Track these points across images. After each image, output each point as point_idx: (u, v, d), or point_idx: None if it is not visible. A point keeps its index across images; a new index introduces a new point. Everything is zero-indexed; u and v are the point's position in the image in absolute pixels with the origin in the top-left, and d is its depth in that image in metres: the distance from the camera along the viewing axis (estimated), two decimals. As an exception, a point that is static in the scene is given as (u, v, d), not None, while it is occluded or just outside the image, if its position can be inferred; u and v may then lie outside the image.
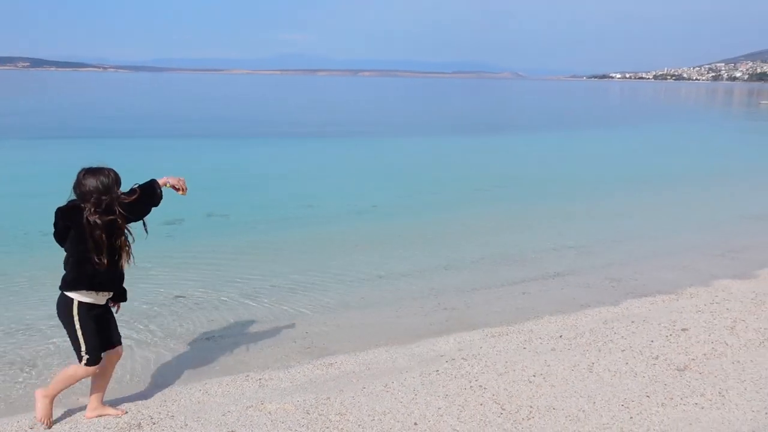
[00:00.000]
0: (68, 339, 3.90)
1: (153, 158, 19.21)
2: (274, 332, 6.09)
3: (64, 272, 3.83)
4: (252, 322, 6.36)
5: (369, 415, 4.17)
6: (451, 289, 7.48)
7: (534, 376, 4.74)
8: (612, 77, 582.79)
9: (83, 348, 3.83)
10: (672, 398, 4.33)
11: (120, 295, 4.05)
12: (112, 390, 4.50)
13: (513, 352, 5.28)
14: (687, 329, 5.68)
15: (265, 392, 4.63)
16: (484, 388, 4.54)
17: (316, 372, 5.04)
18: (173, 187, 4.17)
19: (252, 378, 4.92)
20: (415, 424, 4.05)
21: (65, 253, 3.86)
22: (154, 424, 4.07)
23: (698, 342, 5.37)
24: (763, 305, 6.38)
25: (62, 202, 3.78)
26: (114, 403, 4.34)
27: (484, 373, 4.83)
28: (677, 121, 45.02)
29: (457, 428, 3.98)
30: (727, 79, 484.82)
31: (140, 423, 4.06)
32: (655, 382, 4.60)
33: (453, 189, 15.06)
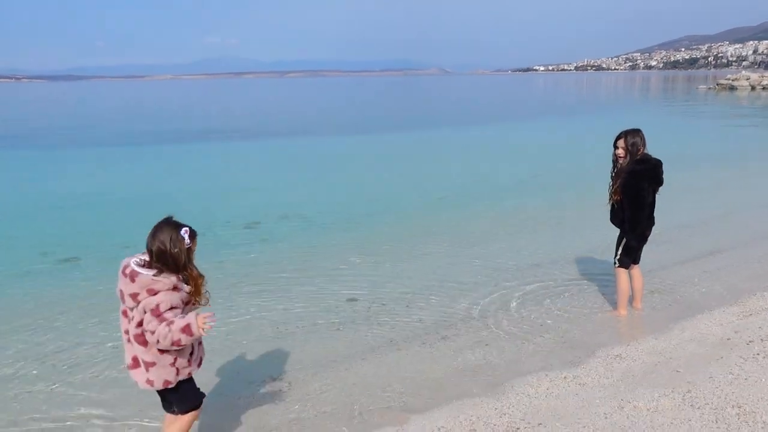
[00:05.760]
0: None
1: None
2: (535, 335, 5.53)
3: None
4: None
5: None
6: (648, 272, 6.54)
7: None
8: (536, 70, 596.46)
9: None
10: None
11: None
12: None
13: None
14: None
15: (628, 386, 4.08)
16: None
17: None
18: None
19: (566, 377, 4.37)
20: None
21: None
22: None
23: None
24: None
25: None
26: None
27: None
28: (640, 111, 41.34)
29: None
30: (643, 68, 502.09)
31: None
32: None
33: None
